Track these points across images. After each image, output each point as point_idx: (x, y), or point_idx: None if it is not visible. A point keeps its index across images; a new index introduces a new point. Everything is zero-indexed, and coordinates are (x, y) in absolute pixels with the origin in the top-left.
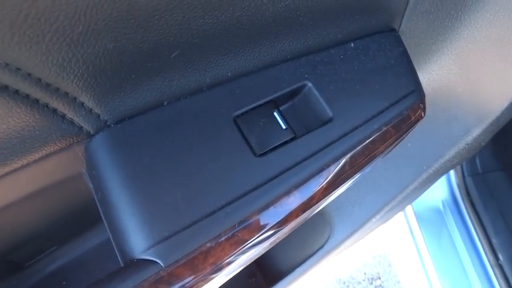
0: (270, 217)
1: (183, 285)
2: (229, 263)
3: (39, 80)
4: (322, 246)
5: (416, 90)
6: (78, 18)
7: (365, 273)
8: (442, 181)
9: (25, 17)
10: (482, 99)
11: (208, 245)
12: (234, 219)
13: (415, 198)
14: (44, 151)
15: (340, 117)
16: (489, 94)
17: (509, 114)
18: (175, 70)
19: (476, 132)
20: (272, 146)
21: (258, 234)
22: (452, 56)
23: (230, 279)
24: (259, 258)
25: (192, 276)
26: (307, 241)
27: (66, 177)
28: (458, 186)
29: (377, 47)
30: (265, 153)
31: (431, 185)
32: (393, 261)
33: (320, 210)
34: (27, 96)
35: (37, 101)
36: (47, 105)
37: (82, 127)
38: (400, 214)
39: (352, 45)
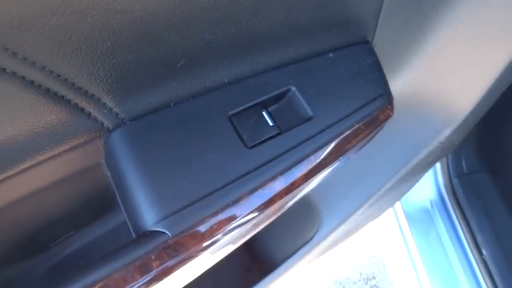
0: (258, 198)
1: (186, 252)
2: (224, 235)
3: (73, 84)
4: (311, 238)
5: (385, 94)
6: (108, 36)
7: (360, 274)
8: (430, 182)
9: (69, 36)
10: (450, 102)
11: (207, 219)
12: (229, 199)
13: (398, 194)
14: (72, 143)
15: (319, 116)
16: (456, 97)
17: (477, 116)
18: (180, 76)
19: (447, 132)
20: (261, 140)
21: (249, 212)
22: (422, 63)
23: (229, 273)
24: (254, 253)
25: (194, 245)
26: (298, 234)
27: (88, 166)
28: (445, 186)
29: (352, 56)
30: (255, 145)
31: (412, 181)
32: (387, 261)
33: (310, 205)
34: (63, 97)
35: (69, 101)
36: (76, 105)
37: (103, 123)
38: (391, 215)
39: (331, 55)
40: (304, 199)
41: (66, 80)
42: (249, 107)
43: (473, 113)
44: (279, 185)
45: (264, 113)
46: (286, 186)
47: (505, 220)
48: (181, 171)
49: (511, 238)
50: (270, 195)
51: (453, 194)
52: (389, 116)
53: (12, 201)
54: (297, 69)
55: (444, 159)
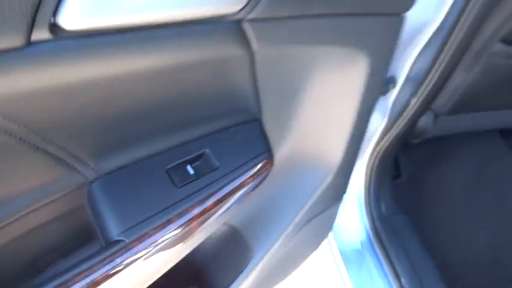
0: (183, 218)
1: (139, 252)
2: (163, 241)
3: (73, 153)
4: (246, 266)
5: (267, 151)
6: (94, 128)
7: None
8: (359, 225)
9: (76, 129)
10: (325, 155)
11: (151, 231)
12: (164, 219)
13: (320, 227)
14: (67, 190)
15: (223, 167)
16: (327, 150)
17: (351, 159)
18: (135, 148)
19: (329, 178)
20: (185, 183)
21: (177, 227)
22: (298, 129)
23: None
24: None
25: (144, 247)
26: (236, 264)
27: (75, 207)
28: (370, 228)
29: (245, 130)
30: (182, 186)
31: (326, 218)
32: None
33: (244, 241)
34: (65, 161)
35: (69, 164)
36: (72, 166)
37: (87, 177)
38: (330, 255)
39: (232, 129)
40: (238, 237)
41: (69, 151)
42: (179, 163)
43: (344, 159)
44: (196, 210)
45: (188, 167)
46: (200, 211)
47: (418, 253)
48: (135, 203)
49: (424, 267)
50: (191, 217)
51: (376, 234)
52: (271, 166)
53: (18, 236)
54: (210, 139)
55: (368, 205)
